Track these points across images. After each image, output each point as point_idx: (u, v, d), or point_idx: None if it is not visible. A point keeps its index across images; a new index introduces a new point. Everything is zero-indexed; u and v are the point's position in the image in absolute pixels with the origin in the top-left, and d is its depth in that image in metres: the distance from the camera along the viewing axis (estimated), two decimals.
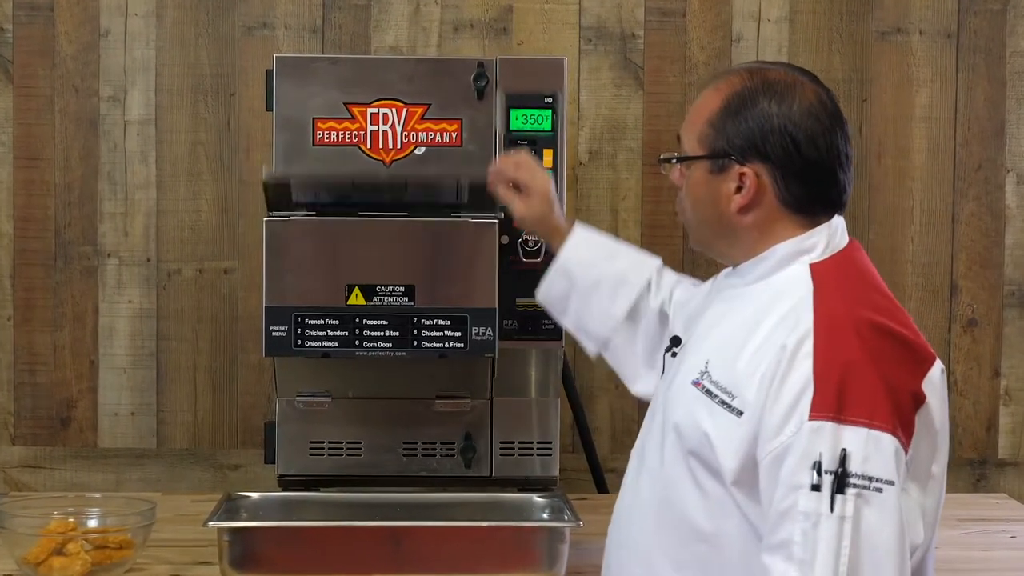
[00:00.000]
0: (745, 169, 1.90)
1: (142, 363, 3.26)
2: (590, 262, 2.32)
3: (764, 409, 1.79)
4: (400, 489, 2.75)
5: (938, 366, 1.86)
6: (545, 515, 2.65)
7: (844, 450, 1.73)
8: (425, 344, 2.57)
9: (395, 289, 2.58)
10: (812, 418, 1.75)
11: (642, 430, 2.08)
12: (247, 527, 2.51)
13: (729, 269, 2.02)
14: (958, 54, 3.33)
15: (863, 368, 1.76)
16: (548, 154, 2.70)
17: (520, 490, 2.75)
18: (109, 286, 3.25)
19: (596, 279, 2.31)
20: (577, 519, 2.48)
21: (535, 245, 2.70)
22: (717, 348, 1.91)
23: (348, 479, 2.78)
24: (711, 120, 1.92)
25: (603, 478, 3.14)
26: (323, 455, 2.78)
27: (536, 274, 2.54)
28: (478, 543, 2.46)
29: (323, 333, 2.58)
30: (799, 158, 1.89)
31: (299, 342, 2.57)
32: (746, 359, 1.84)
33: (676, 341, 2.08)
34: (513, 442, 2.79)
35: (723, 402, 1.85)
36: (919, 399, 1.81)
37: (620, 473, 3.17)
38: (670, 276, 2.32)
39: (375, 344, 2.58)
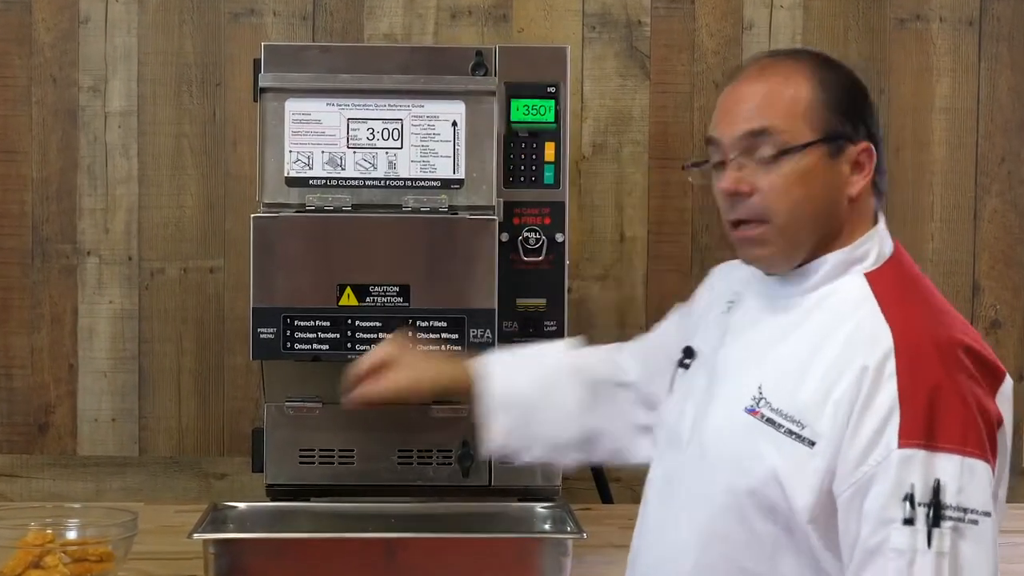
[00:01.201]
0: (864, 143, 1.83)
1: (123, 367, 3.25)
2: (522, 381, 2.16)
3: (844, 438, 1.73)
4: (394, 499, 2.75)
5: (1009, 380, 1.82)
6: (547, 526, 2.64)
7: (937, 480, 1.69)
8: (421, 347, 2.57)
9: (389, 289, 2.58)
10: (902, 446, 1.70)
11: (666, 457, 1.98)
12: (234, 539, 2.51)
13: (757, 278, 1.92)
14: (980, 42, 3.33)
15: (950, 389, 1.72)
16: (550, 147, 2.70)
17: (521, 500, 2.75)
18: (89, 286, 3.25)
19: (540, 392, 2.16)
20: (580, 530, 2.48)
21: (537, 243, 2.70)
22: (772, 370, 1.82)
23: (340, 488, 2.77)
24: (818, 102, 1.82)
25: (607, 488, 3.13)
26: (313, 463, 2.77)
27: (538, 273, 2.56)
28: (477, 556, 2.46)
29: (313, 335, 2.57)
30: (877, 129, 1.86)
31: (288, 344, 2.57)
32: (814, 383, 1.77)
33: (689, 352, 1.98)
34: None
35: (790, 431, 1.77)
36: (999, 419, 1.77)
37: (625, 483, 3.19)
38: (594, 355, 2.21)
39: (368, 347, 2.57)
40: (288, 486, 2.78)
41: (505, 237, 2.68)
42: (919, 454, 1.69)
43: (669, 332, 2.15)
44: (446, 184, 2.68)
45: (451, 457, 2.77)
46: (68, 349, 3.25)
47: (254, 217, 2.59)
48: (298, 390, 2.75)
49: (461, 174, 2.68)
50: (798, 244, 1.85)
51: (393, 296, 2.58)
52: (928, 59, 3.33)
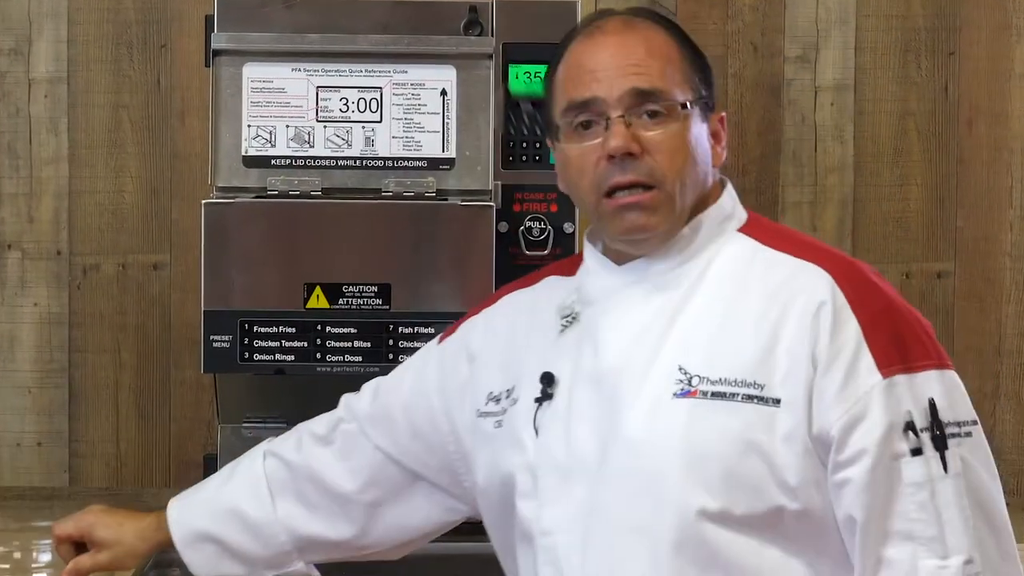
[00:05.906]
0: (720, 113, 2.02)
1: (51, 381, 3.25)
2: (210, 510, 2.23)
3: (813, 385, 1.84)
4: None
5: None
6: None
7: (931, 400, 1.83)
8: (403, 357, 2.56)
9: (366, 289, 2.58)
10: (885, 375, 1.83)
11: (561, 501, 1.94)
12: None
13: (600, 276, 1.99)
14: None
15: (900, 308, 1.89)
16: None
17: None
18: (10, 285, 3.25)
19: (231, 516, 2.23)
20: None
21: (541, 234, 2.70)
22: (685, 347, 1.90)
23: None
24: (686, 64, 1.97)
25: None
26: None
27: None
28: None
29: (276, 344, 2.58)
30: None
31: (246, 355, 2.57)
32: (748, 342, 1.87)
33: (549, 379, 1.98)
34: None
35: (749, 396, 1.85)
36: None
37: None
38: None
39: (341, 357, 2.58)
40: None
41: (504, 227, 2.68)
42: (902, 379, 1.84)
43: (423, 391, 2.19)
44: (434, 164, 2.68)
45: None
46: None
47: (205, 203, 2.59)
48: (258, 409, 2.76)
49: (451, 152, 2.68)
50: (682, 211, 1.96)
51: (371, 297, 2.58)
52: (1006, 16, 3.33)
